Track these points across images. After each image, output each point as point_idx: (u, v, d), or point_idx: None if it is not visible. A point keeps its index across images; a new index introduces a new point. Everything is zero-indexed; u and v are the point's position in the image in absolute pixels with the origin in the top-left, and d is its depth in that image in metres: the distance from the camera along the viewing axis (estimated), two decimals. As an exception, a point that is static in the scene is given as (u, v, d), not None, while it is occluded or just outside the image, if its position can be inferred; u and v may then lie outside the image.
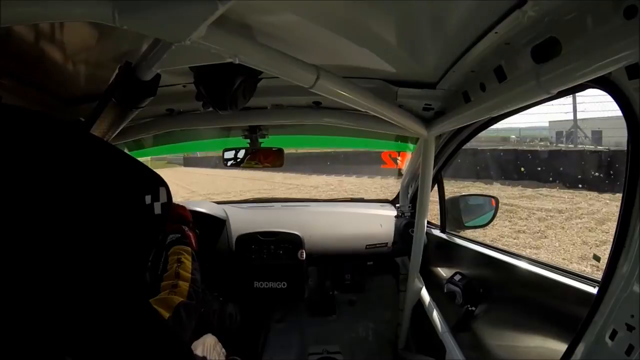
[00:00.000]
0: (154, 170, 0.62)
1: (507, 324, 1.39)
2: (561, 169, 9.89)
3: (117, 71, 1.05)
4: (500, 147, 12.21)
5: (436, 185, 1.88)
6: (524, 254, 1.40)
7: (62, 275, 0.51)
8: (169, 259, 1.05)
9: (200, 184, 14.42)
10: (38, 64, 1.06)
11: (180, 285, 0.94)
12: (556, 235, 6.61)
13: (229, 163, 1.86)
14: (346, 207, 2.41)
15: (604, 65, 0.66)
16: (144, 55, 0.97)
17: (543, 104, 0.99)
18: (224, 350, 1.53)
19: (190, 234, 1.22)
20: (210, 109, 1.17)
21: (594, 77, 0.70)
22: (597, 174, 9.33)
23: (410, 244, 1.85)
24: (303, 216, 2.22)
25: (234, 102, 1.13)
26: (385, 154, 2.13)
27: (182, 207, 1.35)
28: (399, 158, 2.14)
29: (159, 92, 1.10)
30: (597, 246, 6.00)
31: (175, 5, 0.69)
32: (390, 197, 2.41)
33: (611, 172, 8.97)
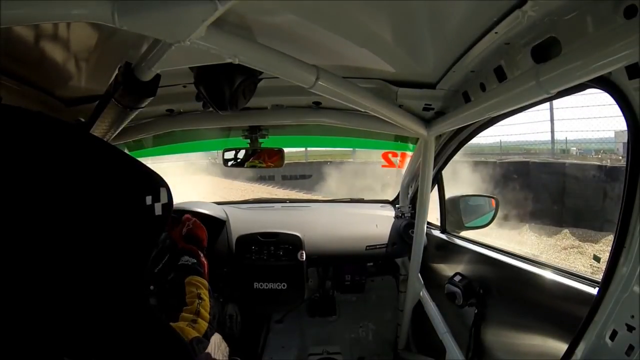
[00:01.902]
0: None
1: (507, 324, 1.39)
2: None
3: (117, 71, 1.06)
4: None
5: (436, 186, 1.88)
6: (523, 254, 1.40)
7: (62, 276, 0.51)
8: (185, 289, 1.07)
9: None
10: (38, 64, 1.06)
11: (199, 322, 1.00)
12: None
13: (229, 163, 1.86)
14: (346, 208, 2.41)
15: (604, 65, 0.66)
16: (143, 56, 0.97)
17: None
18: (227, 348, 1.53)
19: (205, 261, 1.23)
20: (210, 109, 1.17)
21: (593, 77, 0.70)
22: None
23: (410, 245, 1.85)
24: (303, 217, 2.22)
25: (234, 103, 1.13)
26: (386, 154, 2.13)
27: (202, 229, 1.34)
28: (399, 158, 2.14)
29: (159, 92, 1.10)
30: None
31: (174, 5, 0.69)
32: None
33: None
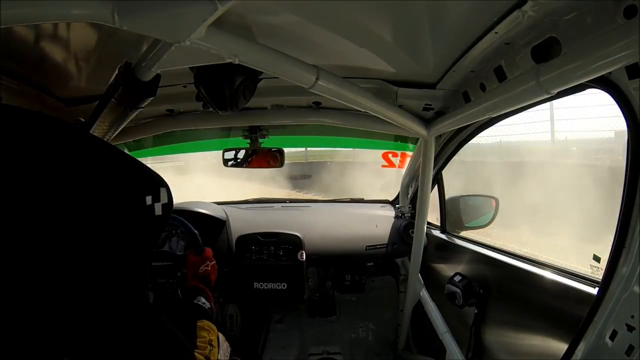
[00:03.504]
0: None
1: (507, 324, 1.39)
2: None
3: (117, 71, 1.06)
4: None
5: (436, 186, 1.88)
6: (523, 254, 1.40)
7: (62, 276, 0.51)
8: (197, 332, 1.08)
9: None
10: (38, 64, 1.07)
11: None
12: None
13: (229, 163, 1.86)
14: (346, 208, 2.41)
15: (604, 65, 0.66)
16: (143, 56, 0.97)
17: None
18: (230, 348, 1.54)
19: (214, 306, 1.26)
20: (210, 109, 1.17)
21: (593, 77, 0.70)
22: None
23: (410, 245, 1.85)
24: (303, 217, 2.22)
25: (234, 103, 1.13)
26: (386, 154, 2.12)
27: (216, 272, 1.37)
28: (399, 158, 2.14)
29: (159, 92, 1.10)
30: None
31: (174, 5, 0.69)
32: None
33: None
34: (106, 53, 1.06)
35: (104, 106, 1.12)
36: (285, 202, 2.50)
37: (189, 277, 1.33)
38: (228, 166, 1.87)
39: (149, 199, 0.57)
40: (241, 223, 2.07)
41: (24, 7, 0.65)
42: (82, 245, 0.52)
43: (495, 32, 0.87)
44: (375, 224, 2.12)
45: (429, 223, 1.92)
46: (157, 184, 0.60)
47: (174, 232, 1.66)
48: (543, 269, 1.22)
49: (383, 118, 1.27)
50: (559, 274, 1.15)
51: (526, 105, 0.99)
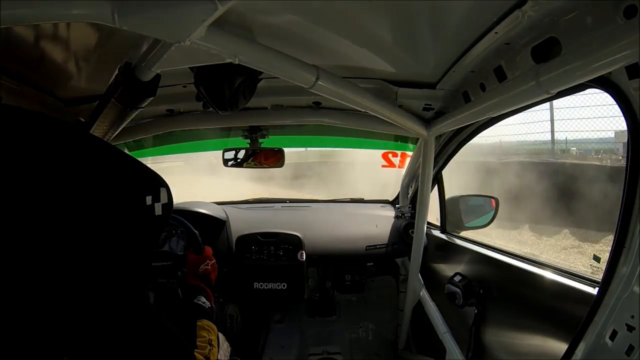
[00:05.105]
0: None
1: (507, 324, 1.39)
2: None
3: (117, 71, 1.06)
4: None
5: (436, 186, 1.88)
6: (523, 254, 1.40)
7: (62, 276, 0.51)
8: (197, 331, 1.08)
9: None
10: (38, 64, 1.06)
11: None
12: None
13: (229, 163, 1.86)
14: (346, 208, 2.41)
15: (604, 65, 0.66)
16: (143, 56, 0.97)
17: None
18: (230, 348, 1.54)
19: (214, 306, 1.26)
20: (210, 109, 1.17)
21: (593, 77, 0.70)
22: None
23: (410, 245, 1.85)
24: (303, 217, 2.22)
25: (234, 103, 1.13)
26: (386, 154, 2.13)
27: (216, 272, 1.36)
28: (399, 158, 2.14)
29: (159, 92, 1.10)
30: None
31: (174, 6, 0.69)
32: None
33: None
34: (106, 53, 1.06)
35: (104, 106, 1.12)
36: (285, 202, 2.49)
37: (189, 276, 1.33)
38: (228, 166, 1.87)
39: (149, 199, 0.57)
40: (241, 223, 2.07)
41: (24, 7, 0.65)
42: (82, 246, 0.52)
43: (495, 32, 0.87)
44: (375, 224, 2.12)
45: (429, 223, 1.92)
46: (157, 184, 0.60)
47: (174, 232, 1.66)
48: (543, 269, 1.22)
49: (383, 118, 1.27)
50: (559, 274, 1.15)
51: (526, 105, 0.99)
